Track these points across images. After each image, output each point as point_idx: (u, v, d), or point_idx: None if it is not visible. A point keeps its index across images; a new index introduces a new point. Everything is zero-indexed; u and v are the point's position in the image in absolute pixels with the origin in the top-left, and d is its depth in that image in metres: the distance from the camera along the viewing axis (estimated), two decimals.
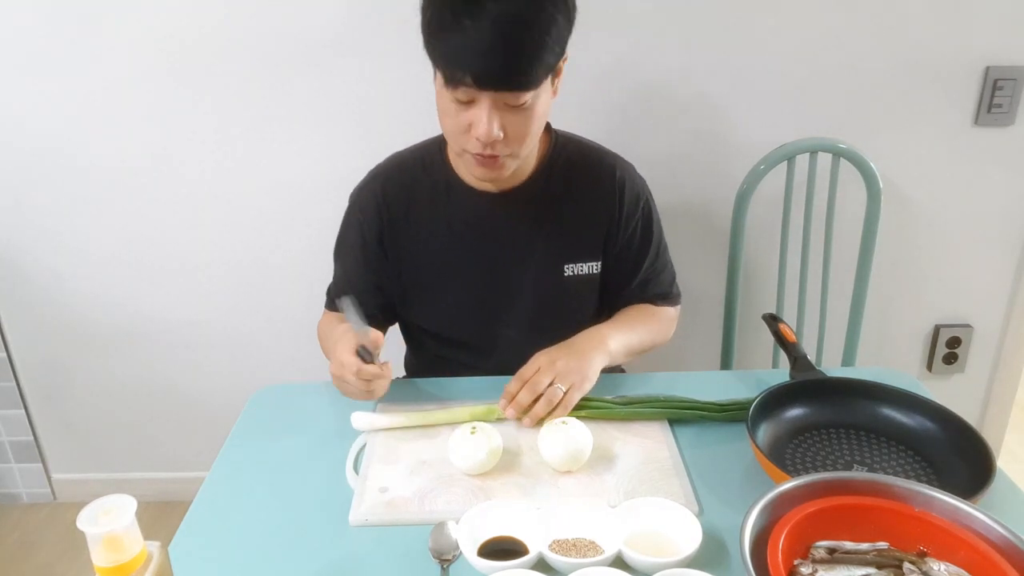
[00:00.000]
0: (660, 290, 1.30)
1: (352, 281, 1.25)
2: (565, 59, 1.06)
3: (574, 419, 0.99)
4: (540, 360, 1.08)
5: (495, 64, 0.96)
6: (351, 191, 1.25)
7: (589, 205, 1.20)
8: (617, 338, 1.17)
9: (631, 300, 1.29)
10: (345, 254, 1.27)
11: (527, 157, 1.13)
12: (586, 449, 0.96)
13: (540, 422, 1.03)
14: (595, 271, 1.22)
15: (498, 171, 1.08)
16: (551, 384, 1.04)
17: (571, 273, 1.21)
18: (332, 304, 1.30)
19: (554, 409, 1.04)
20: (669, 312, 1.32)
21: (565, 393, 1.04)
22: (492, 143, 1.02)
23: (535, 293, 1.21)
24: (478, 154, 1.04)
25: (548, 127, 1.21)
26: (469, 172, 1.13)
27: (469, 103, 1.01)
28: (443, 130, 1.10)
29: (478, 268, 1.21)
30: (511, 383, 1.07)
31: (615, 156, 1.25)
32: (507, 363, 1.12)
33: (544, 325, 1.20)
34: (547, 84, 1.04)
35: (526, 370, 1.08)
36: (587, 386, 1.07)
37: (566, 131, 1.24)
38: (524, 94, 0.99)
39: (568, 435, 0.96)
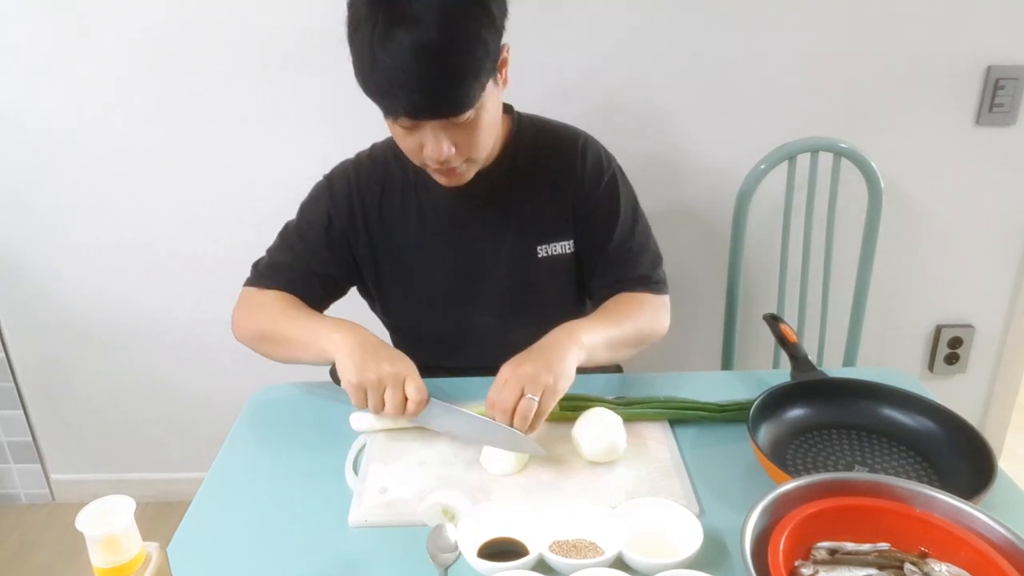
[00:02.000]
0: (640, 272, 1.21)
1: (302, 260, 1.20)
2: (506, 49, 1.02)
3: (607, 410, 1.00)
4: (504, 372, 0.99)
5: (423, 98, 0.95)
6: (325, 174, 1.22)
7: (555, 178, 1.19)
8: (592, 330, 1.07)
9: (608, 283, 1.21)
10: (302, 232, 1.21)
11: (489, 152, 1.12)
12: (622, 440, 0.97)
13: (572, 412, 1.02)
14: (568, 250, 1.21)
15: (459, 179, 1.09)
16: (522, 396, 0.95)
17: (545, 254, 1.20)
18: (266, 280, 1.21)
19: (533, 420, 0.95)
20: (654, 300, 1.21)
21: (540, 401, 0.95)
22: (446, 159, 1.02)
23: (510, 278, 1.21)
24: (436, 168, 1.05)
25: (509, 109, 1.20)
26: (435, 180, 1.12)
27: (414, 127, 1.00)
28: (400, 149, 1.09)
29: (451, 255, 1.21)
30: (485, 410, 0.98)
31: (578, 130, 1.24)
32: (487, 355, 1.06)
33: (521, 310, 1.19)
34: (489, 88, 1.00)
35: (492, 391, 0.98)
36: (562, 384, 0.97)
37: (528, 113, 1.23)
38: (464, 114, 0.98)
39: (606, 426, 0.97)
